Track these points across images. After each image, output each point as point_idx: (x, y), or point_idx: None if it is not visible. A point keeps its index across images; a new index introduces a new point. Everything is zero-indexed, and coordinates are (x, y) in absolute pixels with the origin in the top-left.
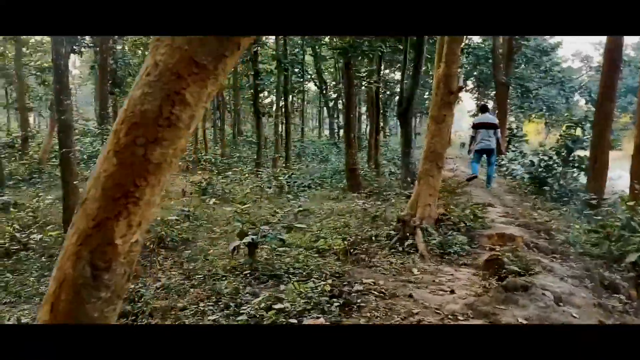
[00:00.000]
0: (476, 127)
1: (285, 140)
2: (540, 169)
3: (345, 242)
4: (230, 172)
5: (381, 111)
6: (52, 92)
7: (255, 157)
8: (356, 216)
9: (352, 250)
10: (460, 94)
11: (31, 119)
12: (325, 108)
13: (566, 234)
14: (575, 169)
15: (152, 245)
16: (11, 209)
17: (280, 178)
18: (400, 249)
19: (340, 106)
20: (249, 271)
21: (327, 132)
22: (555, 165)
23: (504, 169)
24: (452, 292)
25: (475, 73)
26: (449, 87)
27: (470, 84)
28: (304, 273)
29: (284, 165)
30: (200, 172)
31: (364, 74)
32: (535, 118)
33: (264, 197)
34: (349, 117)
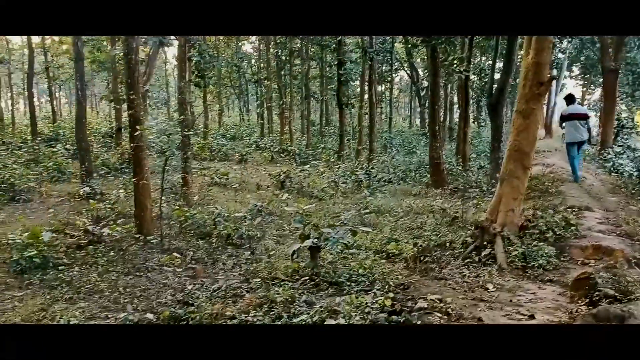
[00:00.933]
0: (565, 118)
1: (369, 132)
2: None
3: (416, 248)
4: (308, 165)
5: (472, 101)
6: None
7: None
8: (434, 216)
9: (422, 258)
10: (565, 81)
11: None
12: (416, 97)
13: None
14: None
15: (215, 242)
16: (91, 200)
17: (357, 172)
18: (477, 259)
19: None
20: (308, 277)
21: (418, 122)
22: None
23: (610, 164)
24: (532, 316)
25: (582, 58)
26: (539, 77)
27: (576, 70)
28: (368, 281)
29: (368, 157)
30: (279, 163)
31: (453, 62)
32: None
33: (340, 193)
34: (433, 108)
